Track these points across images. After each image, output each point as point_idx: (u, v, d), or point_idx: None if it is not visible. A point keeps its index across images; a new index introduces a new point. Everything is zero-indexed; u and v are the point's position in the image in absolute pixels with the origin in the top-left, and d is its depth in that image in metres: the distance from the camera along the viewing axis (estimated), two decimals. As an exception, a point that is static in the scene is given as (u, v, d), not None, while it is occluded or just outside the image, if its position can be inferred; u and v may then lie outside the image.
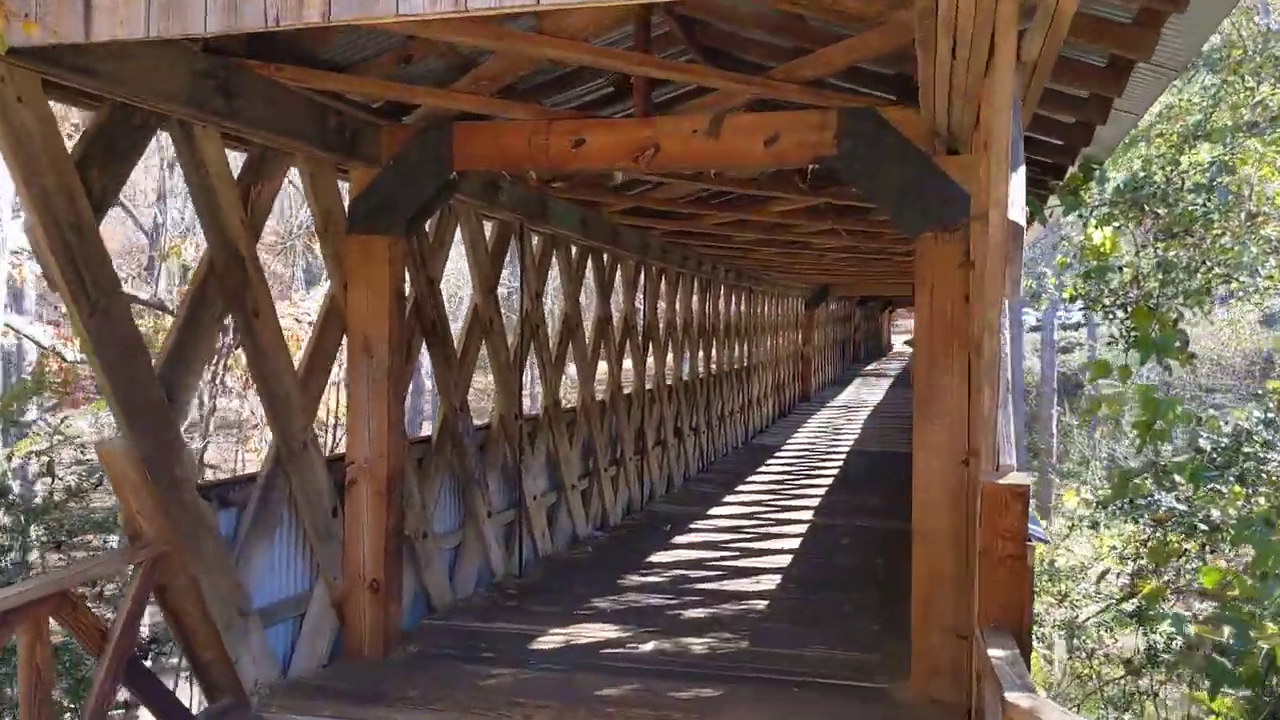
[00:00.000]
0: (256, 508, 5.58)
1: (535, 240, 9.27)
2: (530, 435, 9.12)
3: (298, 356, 6.29)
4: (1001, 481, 3.52)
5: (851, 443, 19.83)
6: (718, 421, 17.09)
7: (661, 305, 13.76)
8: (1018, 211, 3.02)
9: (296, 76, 5.17)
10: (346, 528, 6.21)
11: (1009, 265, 3.07)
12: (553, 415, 9.46)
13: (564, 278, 9.99)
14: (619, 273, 11.72)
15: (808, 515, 12.03)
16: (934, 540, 5.34)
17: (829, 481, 14.84)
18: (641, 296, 12.47)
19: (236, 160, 5.57)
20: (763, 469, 16.14)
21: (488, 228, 8.43)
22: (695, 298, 15.52)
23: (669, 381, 14.06)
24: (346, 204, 6.23)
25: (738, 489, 14.01)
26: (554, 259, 9.65)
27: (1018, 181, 3.06)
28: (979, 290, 4.22)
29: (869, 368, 47.12)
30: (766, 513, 12.29)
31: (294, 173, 6.07)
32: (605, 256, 11.16)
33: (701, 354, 16.06)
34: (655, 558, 9.46)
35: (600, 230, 10.18)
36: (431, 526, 7.28)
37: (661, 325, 13.70)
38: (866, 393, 32.87)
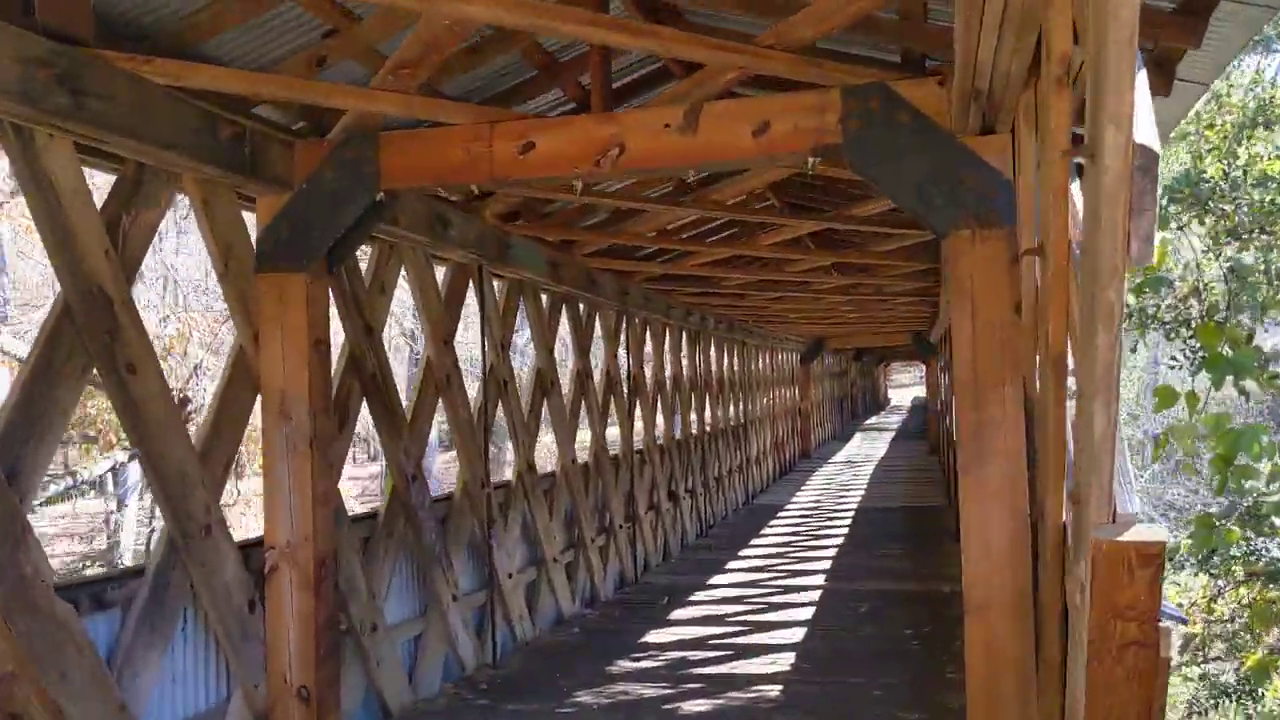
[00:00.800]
0: (145, 607, 4.46)
1: (498, 285, 8.26)
2: (502, 505, 8.00)
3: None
4: (1124, 539, 2.46)
5: (859, 499, 18.66)
6: (715, 482, 15.94)
7: (648, 359, 12.73)
8: (1149, 133, 1.98)
9: (169, 72, 4.19)
10: (268, 625, 5.07)
11: (1136, 216, 2.02)
12: (528, 482, 8.34)
13: (534, 328, 8.95)
14: (598, 323, 10.71)
15: (819, 580, 10.85)
16: (994, 616, 4.22)
17: (839, 541, 13.66)
18: (624, 350, 11.44)
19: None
20: (766, 530, 14.96)
21: (441, 272, 7.43)
22: (684, 351, 14.50)
23: (660, 441, 12.96)
24: (254, 238, 5.22)
25: (740, 553, 12.82)
26: (521, 307, 8.63)
27: (1143, 90, 2.03)
28: (1054, 283, 3.18)
29: (869, 422, 46.22)
30: (774, 578, 11.11)
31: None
32: (581, 306, 10.16)
33: (694, 411, 14.98)
34: (651, 637, 8.27)
35: (573, 275, 9.18)
36: (382, 617, 6.13)
37: (649, 380, 12.65)
38: (869, 447, 31.75)
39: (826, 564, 11.98)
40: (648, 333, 12.65)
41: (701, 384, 15.53)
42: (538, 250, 8.29)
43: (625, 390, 11.37)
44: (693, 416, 14.79)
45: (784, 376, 24.92)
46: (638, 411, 12.07)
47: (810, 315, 17.79)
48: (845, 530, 14.71)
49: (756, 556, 12.65)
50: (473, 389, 8.13)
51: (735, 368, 18.46)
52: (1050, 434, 3.35)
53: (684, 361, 14.43)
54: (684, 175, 6.30)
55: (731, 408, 17.91)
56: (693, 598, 9.96)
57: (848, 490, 20.20)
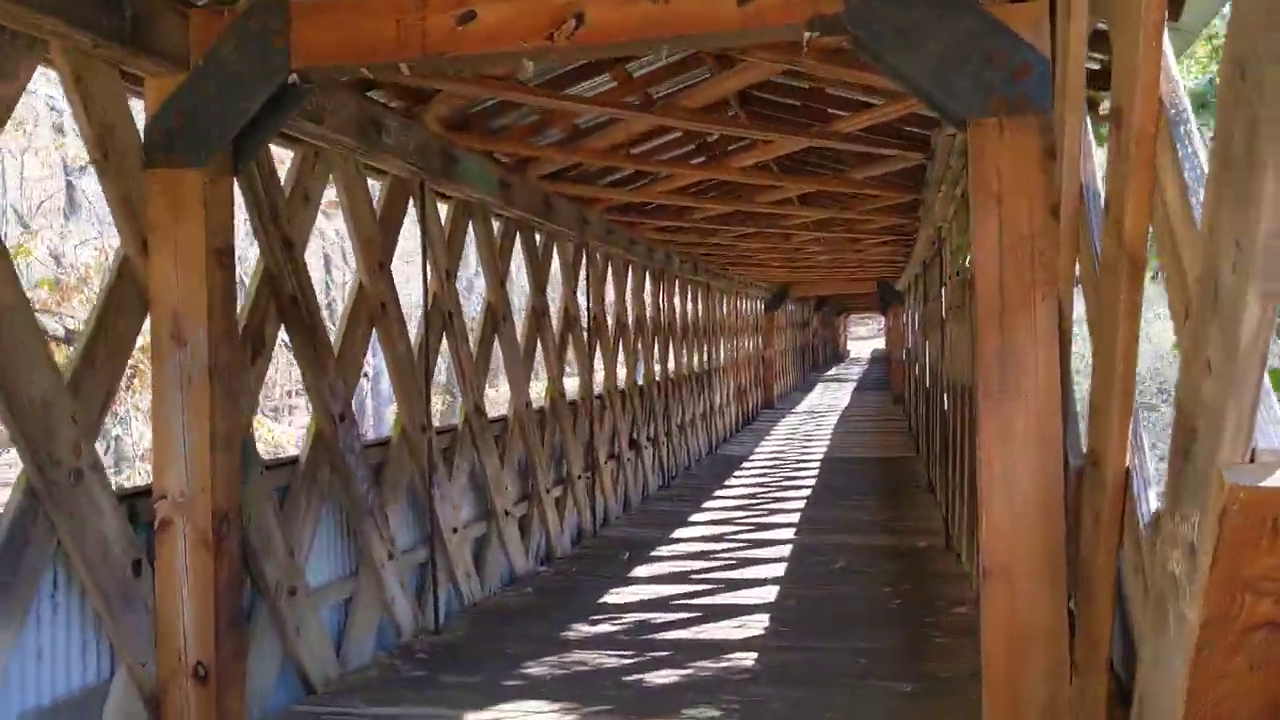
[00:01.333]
0: (-5, 569, 3.67)
1: (443, 208, 7.41)
2: (447, 452, 7.23)
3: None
4: (1269, 484, 1.78)
5: (825, 449, 18.14)
6: (678, 431, 15.29)
7: (609, 298, 11.94)
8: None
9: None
10: (157, 591, 4.29)
11: None
12: (476, 426, 7.57)
13: (484, 255, 8.10)
14: (555, 255, 9.89)
15: (789, 533, 10.25)
16: (1019, 580, 3.54)
17: (806, 493, 13.08)
18: (584, 285, 10.65)
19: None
20: (731, 481, 14.36)
21: (377, 187, 6.58)
22: (647, 291, 13.74)
23: (621, 387, 12.23)
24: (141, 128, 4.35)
25: (705, 505, 12.20)
26: (470, 231, 7.80)
27: None
28: (1137, 154, 2.45)
29: (829, 373, 45.95)
30: (741, 532, 10.50)
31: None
32: (537, 235, 9.33)
33: (657, 355, 14.27)
34: (611, 597, 7.60)
35: (528, 198, 8.33)
36: (303, 579, 5.37)
37: (611, 321, 11.88)
38: (831, 397, 31.36)
39: (795, 516, 11.40)
40: (609, 270, 11.85)
41: (665, 327, 14.80)
42: (487, 168, 7.45)
43: (585, 331, 10.60)
44: (655, 361, 14.08)
45: (748, 324, 24.30)
46: (598, 355, 11.32)
47: (779, 255, 17.09)
48: (812, 481, 14.15)
49: (722, 508, 12.03)
50: (415, 327, 7.30)
51: (700, 312, 17.75)
52: (1120, 353, 2.65)
53: (647, 302, 13.68)
54: (653, 52, 5.45)
55: (695, 354, 17.23)
56: (656, 553, 9.31)
57: (812, 440, 19.70)
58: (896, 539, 9.87)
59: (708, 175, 8.84)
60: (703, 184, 10.52)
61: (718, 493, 13.27)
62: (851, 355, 68.60)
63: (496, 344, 8.28)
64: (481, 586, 7.49)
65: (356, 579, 5.98)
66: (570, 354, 10.49)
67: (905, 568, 8.47)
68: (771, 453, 17.89)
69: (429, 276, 7.02)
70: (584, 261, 10.60)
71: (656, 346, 14.22)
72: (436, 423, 6.88)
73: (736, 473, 15.23)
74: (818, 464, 16.04)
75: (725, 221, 11.93)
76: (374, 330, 6.26)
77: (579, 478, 9.96)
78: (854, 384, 37.96)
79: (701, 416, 17.35)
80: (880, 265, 21.80)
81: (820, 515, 11.40)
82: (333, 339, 5.90)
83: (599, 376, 11.45)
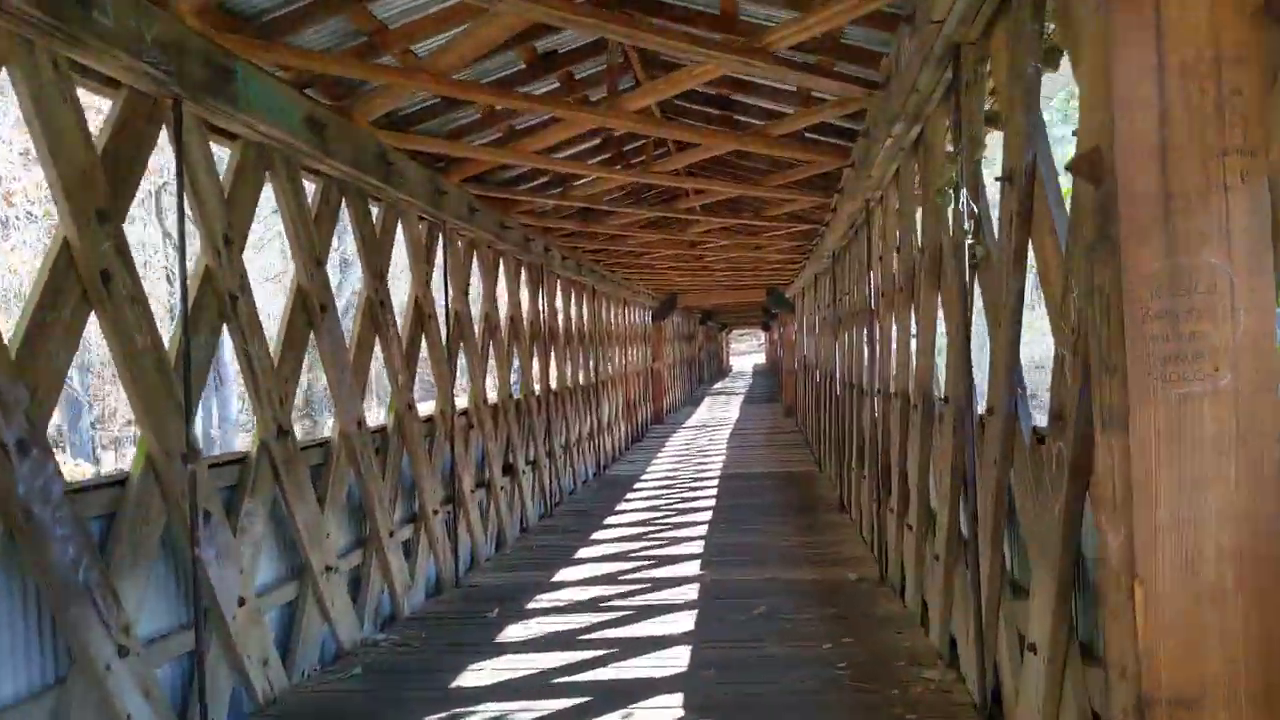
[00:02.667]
0: None
1: (225, 155, 5.38)
2: (232, 491, 5.19)
3: None
4: None
5: (721, 465, 16.50)
6: (562, 452, 13.38)
7: (475, 292, 9.99)
8: None
9: None
10: None
11: None
12: (278, 455, 5.52)
13: (286, 219, 6.03)
14: (401, 231, 7.88)
15: (694, 568, 8.52)
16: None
17: (708, 516, 11.37)
18: (442, 275, 8.69)
19: None
20: (624, 506, 12.53)
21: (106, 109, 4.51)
22: (524, 287, 11.83)
23: (493, 401, 10.28)
24: None
25: (595, 537, 10.34)
26: (271, 189, 5.77)
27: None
28: None
29: (715, 387, 44.83)
30: (639, 568, 8.69)
31: None
32: (375, 208, 7.33)
33: (537, 365, 12.36)
34: (471, 677, 5.65)
35: (354, 150, 6.35)
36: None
37: (478, 322, 9.93)
38: (720, 411, 29.96)
39: (698, 545, 9.66)
40: (474, 259, 9.90)
41: (546, 333, 12.92)
42: (288, 97, 5.45)
43: (443, 332, 8.63)
44: (535, 372, 12.17)
45: (636, 334, 22.61)
46: (461, 362, 9.36)
47: (673, 249, 15.47)
48: (713, 502, 12.46)
49: (614, 539, 10.20)
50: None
51: (585, 317, 15.93)
52: None
53: (524, 302, 11.76)
54: None
55: (581, 364, 15.38)
56: (534, 603, 7.40)
57: (708, 456, 18.07)
58: (820, 571, 8.23)
59: (586, 116, 7.00)
60: (590, 142, 8.78)
61: (609, 520, 11.43)
62: (735, 369, 68.00)
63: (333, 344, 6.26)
64: (288, 674, 5.43)
65: (62, 690, 3.89)
66: (428, 363, 8.50)
67: (841, 612, 6.80)
68: (665, 472, 16.16)
69: (201, 243, 4.98)
70: (440, 245, 8.64)
71: (536, 355, 12.32)
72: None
73: (629, 496, 13.42)
74: (716, 482, 14.38)
75: (618, 200, 10.13)
76: (98, 315, 4.18)
77: (435, 513, 7.96)
78: (741, 397, 36.79)
79: (588, 435, 15.50)
80: (774, 267, 20.47)
81: (727, 543, 9.69)
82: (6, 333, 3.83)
83: (465, 388, 9.51)
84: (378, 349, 7.22)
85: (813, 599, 7.21)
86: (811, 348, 18.21)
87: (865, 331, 9.21)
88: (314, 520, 5.82)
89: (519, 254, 11.29)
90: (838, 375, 12.19)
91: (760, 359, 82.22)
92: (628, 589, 7.86)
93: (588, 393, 15.65)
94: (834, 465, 13.17)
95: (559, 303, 13.96)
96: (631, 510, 12.32)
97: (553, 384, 13.17)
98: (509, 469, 10.57)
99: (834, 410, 13.27)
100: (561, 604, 7.41)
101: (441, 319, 8.62)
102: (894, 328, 7.32)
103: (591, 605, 7.35)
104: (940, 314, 5.44)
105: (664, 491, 13.76)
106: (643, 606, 7.23)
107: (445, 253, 8.68)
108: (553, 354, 13.28)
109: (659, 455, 18.61)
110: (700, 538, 10.08)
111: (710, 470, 15.99)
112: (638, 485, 14.53)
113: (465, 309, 9.33)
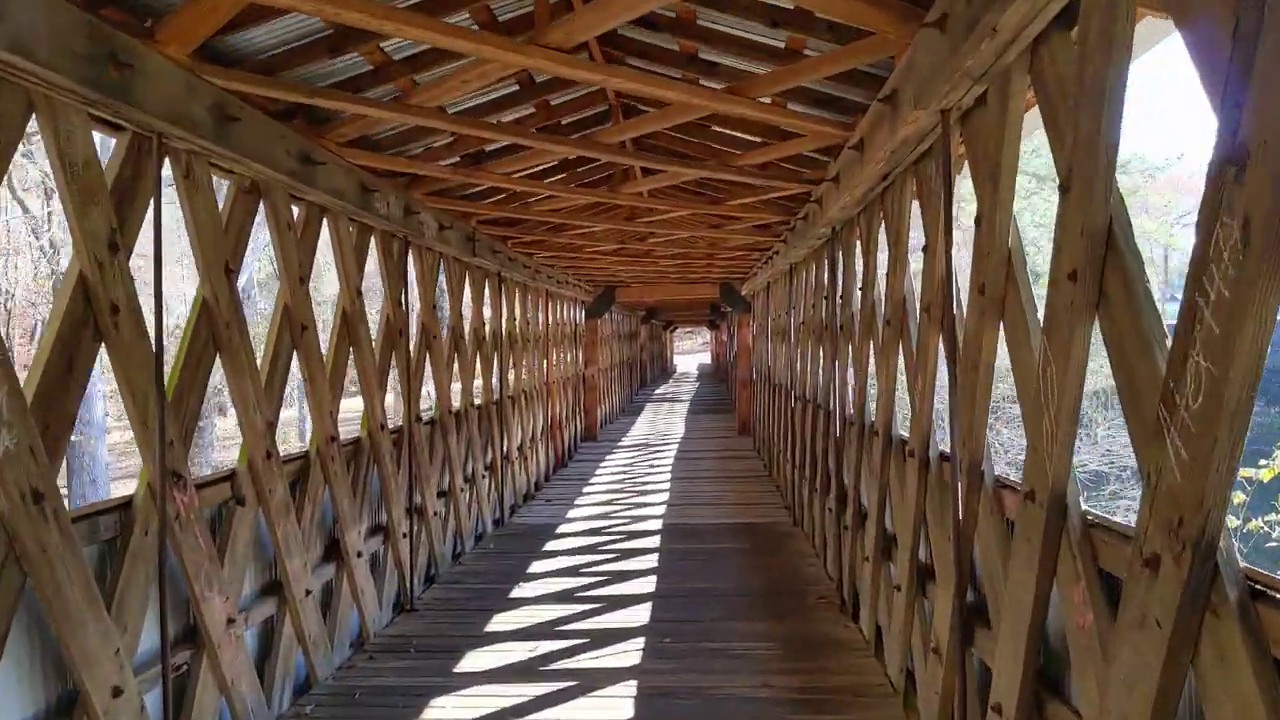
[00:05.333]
0: None
1: None
2: None
3: None
4: None
5: (663, 509, 12.83)
6: (441, 505, 9.61)
7: (334, 283, 6.18)
8: None
9: None
10: None
11: None
12: None
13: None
14: (233, 207, 4.20)
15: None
16: None
17: (646, 617, 7.72)
18: (277, 265, 4.98)
19: None
20: (526, 585, 8.82)
21: None
22: (372, 264, 8.05)
23: (330, 437, 6.54)
24: None
25: (482, 636, 6.69)
26: None
27: None
28: None
29: (659, 391, 41.22)
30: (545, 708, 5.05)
31: None
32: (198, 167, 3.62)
33: (397, 382, 8.57)
34: None
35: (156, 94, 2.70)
36: None
37: (326, 322, 6.13)
38: (663, 423, 26.26)
39: (631, 686, 6.03)
40: (298, 223, 6.13)
41: (427, 334, 9.17)
42: None
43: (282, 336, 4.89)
44: (405, 386, 8.37)
45: (564, 334, 18.82)
46: (302, 376, 5.60)
47: (615, 229, 11.83)
48: (651, 586, 8.79)
49: (501, 667, 6.49)
50: None
51: (490, 311, 12.13)
52: None
53: (378, 292, 7.96)
54: None
55: (481, 372, 11.60)
56: None
57: (647, 492, 14.37)
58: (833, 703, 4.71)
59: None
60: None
61: (499, 618, 7.71)
62: (680, 370, 64.70)
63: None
64: None
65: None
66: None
67: None
68: (591, 517, 12.44)
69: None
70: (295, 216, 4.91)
71: (410, 365, 8.56)
72: None
73: (534, 567, 9.68)
74: (657, 542, 10.72)
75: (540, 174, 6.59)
76: None
77: (220, 631, 4.24)
78: (687, 405, 33.20)
79: (488, 470, 11.72)
80: (730, 260, 16.90)
81: (676, 686, 6.06)
82: None
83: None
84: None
85: None
86: (779, 359, 14.65)
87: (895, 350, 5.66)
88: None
89: (397, 229, 7.54)
90: (836, 409, 8.60)
91: (705, 358, 78.64)
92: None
93: (490, 414, 11.87)
94: (819, 523, 9.62)
95: (444, 290, 10.17)
96: (543, 585, 8.65)
97: (427, 409, 9.41)
98: (336, 548, 6.80)
99: (818, 446, 9.72)
100: None
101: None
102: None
103: None
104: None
105: (586, 558, 10.04)
106: None
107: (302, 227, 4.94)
108: (441, 362, 9.49)
109: (586, 490, 14.88)
110: (636, 666, 6.44)
111: (649, 516, 12.32)
112: (553, 543, 10.78)
113: (301, 304, 5.64)
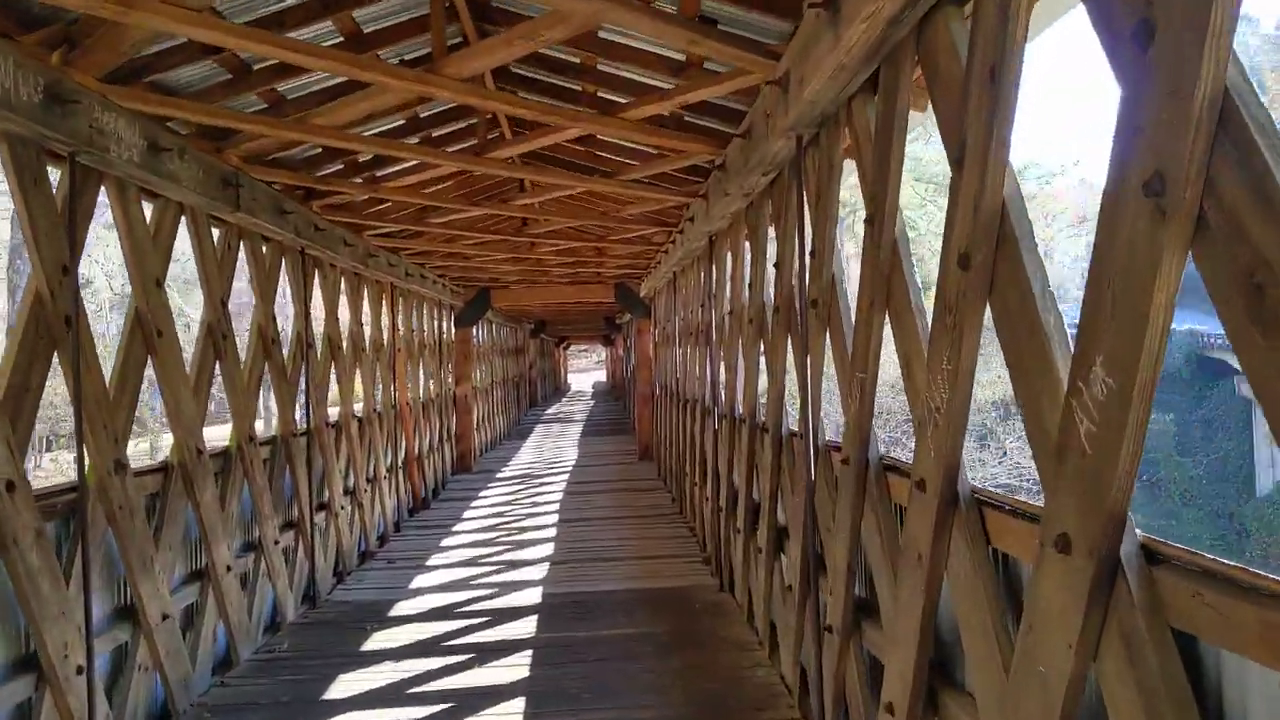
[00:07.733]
0: None
1: None
2: None
3: None
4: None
5: (544, 572, 9.55)
6: (194, 593, 6.16)
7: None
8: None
9: None
10: None
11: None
12: None
13: None
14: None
15: None
16: None
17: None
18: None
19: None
20: (348, 691, 5.49)
21: None
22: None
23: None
24: None
25: None
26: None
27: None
28: None
29: (550, 411, 37.74)
30: None
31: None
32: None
33: (179, 405, 5.14)
34: None
35: None
36: None
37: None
38: (553, 448, 22.85)
39: None
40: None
41: (218, 333, 5.80)
42: None
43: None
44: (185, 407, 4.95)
45: (425, 345, 15.34)
46: None
47: (489, 214, 8.60)
48: (519, 688, 5.56)
49: None
50: None
51: (334, 313, 8.67)
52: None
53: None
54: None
55: (277, 396, 8.15)
56: None
57: (524, 545, 11.04)
58: None
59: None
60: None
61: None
62: (574, 389, 61.43)
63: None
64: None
65: None
66: None
67: None
68: (443, 586, 9.07)
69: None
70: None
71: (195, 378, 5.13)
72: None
73: (336, 688, 6.28)
74: (531, 629, 7.47)
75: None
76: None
77: None
78: (581, 425, 29.91)
79: (284, 532, 8.21)
80: (627, 257, 13.92)
81: None
82: None
83: None
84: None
85: None
86: (690, 368, 11.61)
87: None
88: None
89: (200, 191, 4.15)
90: (761, 419, 5.55)
91: (601, 376, 75.11)
92: None
93: (286, 453, 8.38)
94: (763, 594, 6.57)
95: (248, 280, 6.73)
96: (370, 703, 5.32)
97: (229, 435, 5.97)
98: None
99: (760, 484, 6.65)
100: None
101: None
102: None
103: None
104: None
105: (420, 669, 6.63)
106: None
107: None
108: (249, 375, 6.06)
109: (445, 542, 11.45)
110: None
111: (523, 582, 9.06)
112: (369, 646, 7.36)
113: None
